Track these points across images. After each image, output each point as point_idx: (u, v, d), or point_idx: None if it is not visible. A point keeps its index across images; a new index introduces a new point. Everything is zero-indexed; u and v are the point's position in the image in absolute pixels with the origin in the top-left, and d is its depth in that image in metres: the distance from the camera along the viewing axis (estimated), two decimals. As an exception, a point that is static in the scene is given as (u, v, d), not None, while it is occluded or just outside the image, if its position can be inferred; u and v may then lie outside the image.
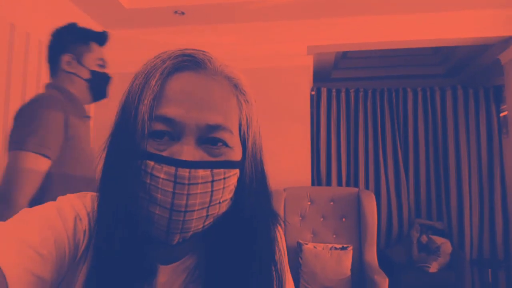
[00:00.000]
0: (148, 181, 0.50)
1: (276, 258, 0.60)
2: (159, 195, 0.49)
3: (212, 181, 0.51)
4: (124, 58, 3.60)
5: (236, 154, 0.55)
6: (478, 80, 4.37)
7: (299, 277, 3.02)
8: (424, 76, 4.92)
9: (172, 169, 0.49)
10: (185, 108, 0.51)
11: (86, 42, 1.56)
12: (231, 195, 0.55)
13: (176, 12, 3.26)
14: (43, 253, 0.47)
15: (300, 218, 3.26)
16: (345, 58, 4.77)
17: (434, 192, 3.85)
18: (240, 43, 3.57)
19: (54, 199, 0.56)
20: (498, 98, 3.77)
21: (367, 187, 3.84)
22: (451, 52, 4.37)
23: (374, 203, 3.22)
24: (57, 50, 1.54)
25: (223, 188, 0.52)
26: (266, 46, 3.54)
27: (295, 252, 3.10)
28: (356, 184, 3.84)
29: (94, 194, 0.56)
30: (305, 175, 3.57)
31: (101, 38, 1.61)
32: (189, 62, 0.54)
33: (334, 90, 3.97)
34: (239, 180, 0.56)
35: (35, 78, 2.83)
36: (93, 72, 1.58)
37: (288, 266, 0.67)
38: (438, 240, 3.43)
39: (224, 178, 0.52)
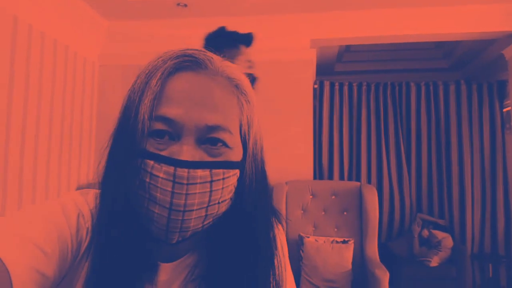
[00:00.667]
0: (148, 180, 0.50)
1: (275, 258, 0.60)
2: (158, 194, 0.50)
3: (211, 181, 0.51)
4: (125, 52, 3.60)
5: (236, 155, 0.55)
6: (481, 75, 4.35)
7: (300, 270, 3.03)
8: (428, 70, 4.90)
9: (171, 169, 0.50)
10: (184, 108, 0.51)
11: (236, 45, 1.61)
12: (230, 195, 0.55)
13: (178, 4, 3.25)
14: (46, 250, 0.47)
15: (302, 211, 3.27)
16: (348, 51, 4.75)
17: (436, 187, 3.85)
18: (242, 36, 3.55)
19: None
20: (501, 93, 3.75)
21: (369, 181, 3.84)
22: (455, 47, 4.34)
23: (376, 197, 3.22)
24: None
25: (222, 188, 0.53)
26: (269, 40, 3.52)
27: (297, 245, 3.11)
28: (358, 178, 3.84)
29: (97, 191, 0.57)
30: (307, 169, 3.57)
31: (248, 39, 1.65)
32: (190, 62, 0.54)
33: (337, 84, 3.95)
34: (239, 180, 0.56)
35: (37, 70, 2.83)
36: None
37: (289, 263, 0.68)
38: (439, 234, 3.43)
39: (223, 179, 0.53)
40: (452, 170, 3.78)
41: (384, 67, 4.95)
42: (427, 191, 3.87)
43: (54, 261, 0.48)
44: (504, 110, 3.78)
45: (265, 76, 3.46)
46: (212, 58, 0.56)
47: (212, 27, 3.69)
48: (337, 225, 3.23)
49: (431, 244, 3.44)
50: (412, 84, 3.93)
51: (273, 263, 0.60)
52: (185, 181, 0.50)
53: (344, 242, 3.04)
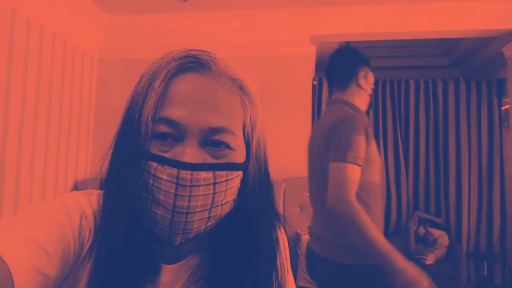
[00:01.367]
0: (151, 182, 0.50)
1: (278, 260, 0.60)
2: (161, 196, 0.50)
3: (214, 183, 0.51)
4: (125, 46, 3.58)
5: (239, 156, 0.55)
6: (481, 73, 4.35)
7: (297, 267, 3.04)
8: (428, 67, 4.89)
9: (174, 171, 0.49)
10: (188, 110, 0.51)
11: (367, 62, 1.67)
12: (233, 196, 0.55)
13: (178, -2, 3.23)
14: (49, 251, 0.47)
15: (299, 209, 3.28)
16: (348, 48, 4.72)
17: (434, 184, 3.86)
18: (242, 30, 3.53)
19: None
20: (500, 91, 3.76)
21: (366, 178, 3.84)
22: (455, 44, 4.33)
23: (373, 194, 3.23)
24: (356, 63, 1.64)
25: (225, 190, 0.53)
26: (269, 34, 3.50)
27: (293, 243, 3.12)
28: (356, 175, 3.84)
29: (100, 192, 0.56)
30: (305, 166, 3.56)
31: (369, 61, 1.70)
32: (193, 63, 0.54)
33: (336, 80, 3.94)
34: (242, 182, 0.56)
35: (36, 63, 2.81)
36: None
37: (289, 265, 0.68)
38: (435, 232, 3.45)
39: (226, 180, 0.52)
40: (449, 168, 3.79)
41: (384, 64, 4.93)
42: (424, 188, 3.88)
43: (56, 261, 0.48)
44: (503, 108, 3.78)
45: (263, 71, 3.47)
46: (215, 59, 0.55)
47: (212, 21, 3.66)
48: (335, 221, 3.24)
49: (427, 242, 3.46)
50: (411, 81, 3.93)
51: (276, 265, 0.59)
52: (188, 183, 0.49)
53: (341, 238, 3.05)
